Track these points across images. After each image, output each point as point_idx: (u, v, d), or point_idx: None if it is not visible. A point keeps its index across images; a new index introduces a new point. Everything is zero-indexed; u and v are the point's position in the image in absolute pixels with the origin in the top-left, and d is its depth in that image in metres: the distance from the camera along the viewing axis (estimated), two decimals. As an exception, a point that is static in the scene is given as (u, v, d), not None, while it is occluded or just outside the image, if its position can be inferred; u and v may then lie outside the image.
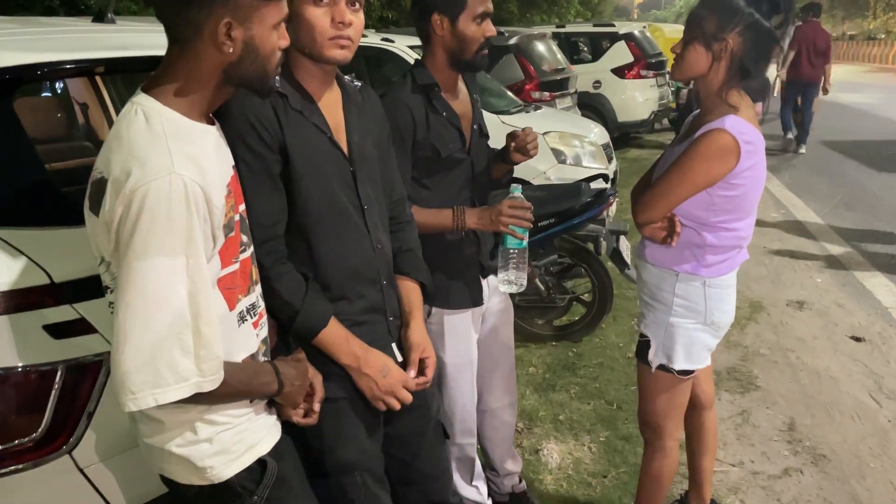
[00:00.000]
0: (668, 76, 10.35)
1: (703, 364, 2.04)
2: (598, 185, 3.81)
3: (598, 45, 10.40)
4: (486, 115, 2.40)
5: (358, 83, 1.75)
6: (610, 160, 5.96)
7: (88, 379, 1.52)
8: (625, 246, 3.91)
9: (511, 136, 2.13)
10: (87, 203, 1.21)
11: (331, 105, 1.62)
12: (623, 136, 10.44)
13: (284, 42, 1.27)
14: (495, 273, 2.10)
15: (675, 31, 13.19)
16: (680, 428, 2.18)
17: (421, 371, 1.73)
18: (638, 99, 9.93)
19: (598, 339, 4.05)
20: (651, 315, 2.05)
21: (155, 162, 1.11)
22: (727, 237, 1.91)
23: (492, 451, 2.51)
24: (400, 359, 1.72)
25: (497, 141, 2.24)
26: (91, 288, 1.42)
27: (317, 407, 1.51)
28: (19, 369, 1.43)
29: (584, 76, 9.57)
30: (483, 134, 2.19)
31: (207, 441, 1.29)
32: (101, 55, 1.88)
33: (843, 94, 16.52)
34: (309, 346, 1.56)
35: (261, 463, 1.37)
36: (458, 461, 2.29)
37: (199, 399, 1.19)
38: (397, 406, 1.63)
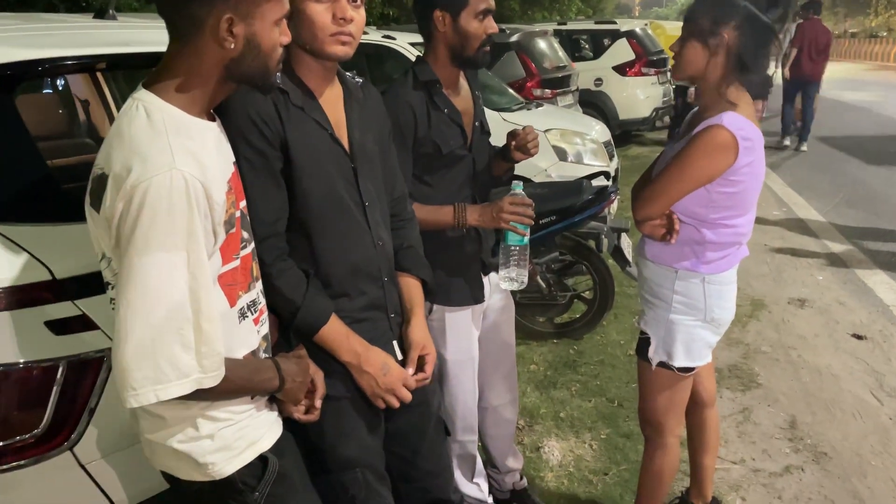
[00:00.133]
0: (669, 74, 10.34)
1: (703, 361, 2.04)
2: (600, 182, 3.81)
3: (599, 43, 10.38)
4: (488, 112, 2.40)
5: (359, 80, 1.74)
6: (611, 158, 5.96)
7: (90, 375, 1.53)
8: (626, 243, 3.91)
9: (512, 135, 2.13)
10: (87, 199, 1.21)
11: (332, 101, 1.61)
12: (624, 134, 10.44)
13: (286, 38, 1.27)
14: (497, 270, 2.10)
15: (677, 28, 13.03)
16: (681, 425, 2.18)
17: (420, 367, 1.73)
18: (639, 96, 9.93)
19: (599, 336, 4.05)
20: (651, 312, 2.05)
21: (156, 158, 1.11)
22: (726, 234, 1.91)
23: (493, 448, 2.51)
24: (400, 356, 1.72)
25: (498, 138, 2.23)
26: (92, 284, 1.42)
27: (318, 403, 1.52)
28: (21, 365, 1.44)
29: (585, 74, 9.56)
30: (484, 131, 2.18)
31: (209, 437, 1.29)
32: (102, 51, 1.88)
33: (845, 91, 16.51)
34: (310, 343, 1.57)
35: (262, 459, 1.37)
36: (460, 458, 2.29)
37: (200, 395, 1.19)
38: (396, 404, 1.63)
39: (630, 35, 10.05)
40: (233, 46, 1.19)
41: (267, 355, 1.44)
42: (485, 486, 2.39)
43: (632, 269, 3.82)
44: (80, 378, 1.51)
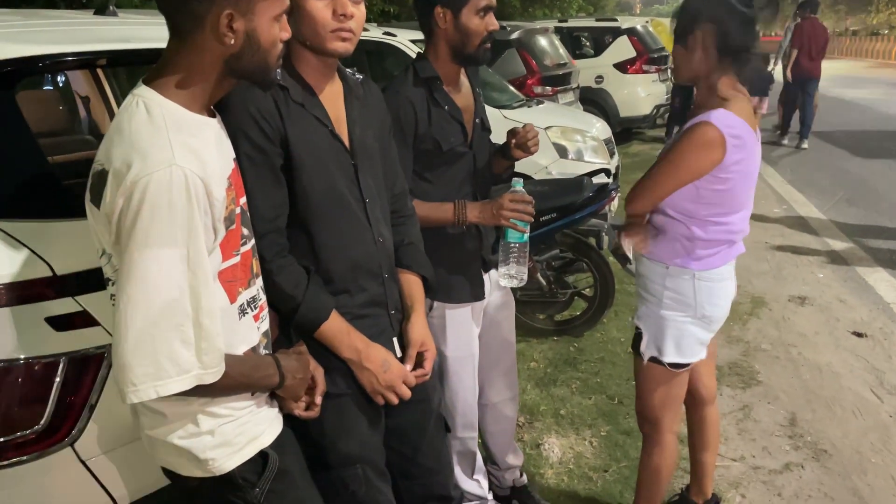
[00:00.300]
0: (669, 72, 10.33)
1: (695, 358, 2.04)
2: (600, 179, 3.81)
3: (600, 40, 10.36)
4: (488, 109, 2.40)
5: (359, 76, 1.74)
6: (612, 155, 5.95)
7: (90, 371, 1.53)
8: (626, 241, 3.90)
9: (512, 133, 2.13)
10: (88, 195, 1.21)
11: (332, 98, 1.61)
12: (625, 132, 10.43)
13: (286, 34, 1.27)
14: (497, 267, 2.10)
15: (678, 25, 13.10)
16: (677, 421, 2.18)
17: (419, 364, 1.73)
18: (640, 94, 9.92)
19: (599, 333, 4.05)
20: (643, 307, 2.07)
21: (156, 154, 1.11)
22: (716, 231, 1.92)
23: (493, 445, 2.52)
24: (400, 353, 1.72)
25: (499, 136, 2.23)
26: (93, 280, 1.43)
27: (318, 400, 1.52)
28: (21, 361, 1.44)
29: (586, 71, 9.55)
30: (485, 128, 2.18)
31: (209, 433, 1.30)
32: (102, 48, 1.88)
33: (846, 89, 16.48)
34: (310, 339, 1.57)
35: (262, 455, 1.37)
36: (460, 455, 2.29)
37: (200, 391, 1.19)
38: (395, 401, 1.63)
39: (631, 32, 10.04)
40: (233, 42, 1.19)
41: (267, 352, 1.44)
42: (485, 483, 2.40)
43: (632, 267, 3.79)
44: (80, 374, 1.51)
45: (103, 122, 3.85)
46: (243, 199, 1.37)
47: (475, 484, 2.36)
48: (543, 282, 3.85)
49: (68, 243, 1.53)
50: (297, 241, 1.56)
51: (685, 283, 1.96)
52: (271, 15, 1.22)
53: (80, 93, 4.02)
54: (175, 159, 1.11)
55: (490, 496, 2.43)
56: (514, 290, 2.40)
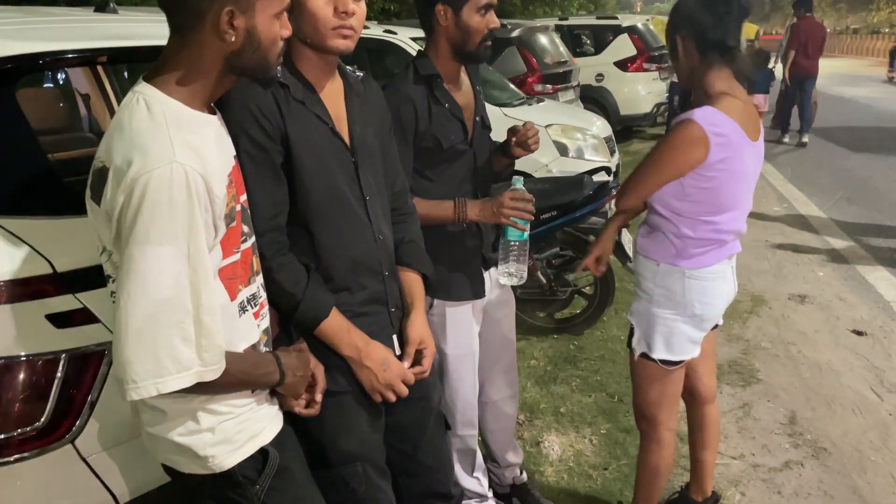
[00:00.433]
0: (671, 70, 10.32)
1: (685, 356, 2.04)
2: (600, 178, 3.80)
3: (600, 38, 10.36)
4: (489, 107, 2.40)
5: (360, 74, 1.74)
6: (612, 153, 5.96)
7: (91, 368, 1.53)
8: (626, 239, 3.89)
9: (512, 131, 2.12)
10: (88, 192, 1.21)
11: (333, 95, 1.61)
12: (625, 130, 10.41)
13: (286, 31, 1.27)
14: (497, 265, 2.10)
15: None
16: (674, 419, 2.19)
17: (418, 361, 1.73)
18: (640, 92, 9.91)
19: (599, 331, 4.05)
20: (636, 304, 2.09)
21: (156, 151, 1.11)
22: (704, 230, 1.92)
23: (493, 442, 2.52)
24: (399, 351, 1.72)
25: (499, 133, 2.23)
26: (93, 277, 1.42)
27: (318, 398, 1.52)
28: (22, 358, 1.44)
29: (586, 69, 9.54)
30: (485, 126, 2.18)
31: (209, 430, 1.30)
32: (103, 45, 1.88)
33: (847, 87, 16.47)
34: (311, 337, 1.57)
35: (263, 452, 1.37)
36: (460, 452, 2.29)
37: (200, 389, 1.19)
38: (393, 399, 1.63)
39: (631, 30, 10.03)
40: (233, 39, 1.18)
41: (267, 349, 1.44)
42: (485, 481, 2.40)
43: (632, 265, 3.81)
44: (81, 371, 1.51)
45: (104, 119, 3.85)
46: (244, 197, 1.37)
47: (475, 482, 2.36)
48: (543, 280, 3.85)
49: (69, 240, 1.53)
50: (298, 238, 1.56)
51: (675, 281, 1.97)
52: (272, 12, 1.22)
53: (80, 90, 4.02)
54: (176, 156, 1.11)
55: (490, 494, 2.43)
56: (514, 288, 2.40)
